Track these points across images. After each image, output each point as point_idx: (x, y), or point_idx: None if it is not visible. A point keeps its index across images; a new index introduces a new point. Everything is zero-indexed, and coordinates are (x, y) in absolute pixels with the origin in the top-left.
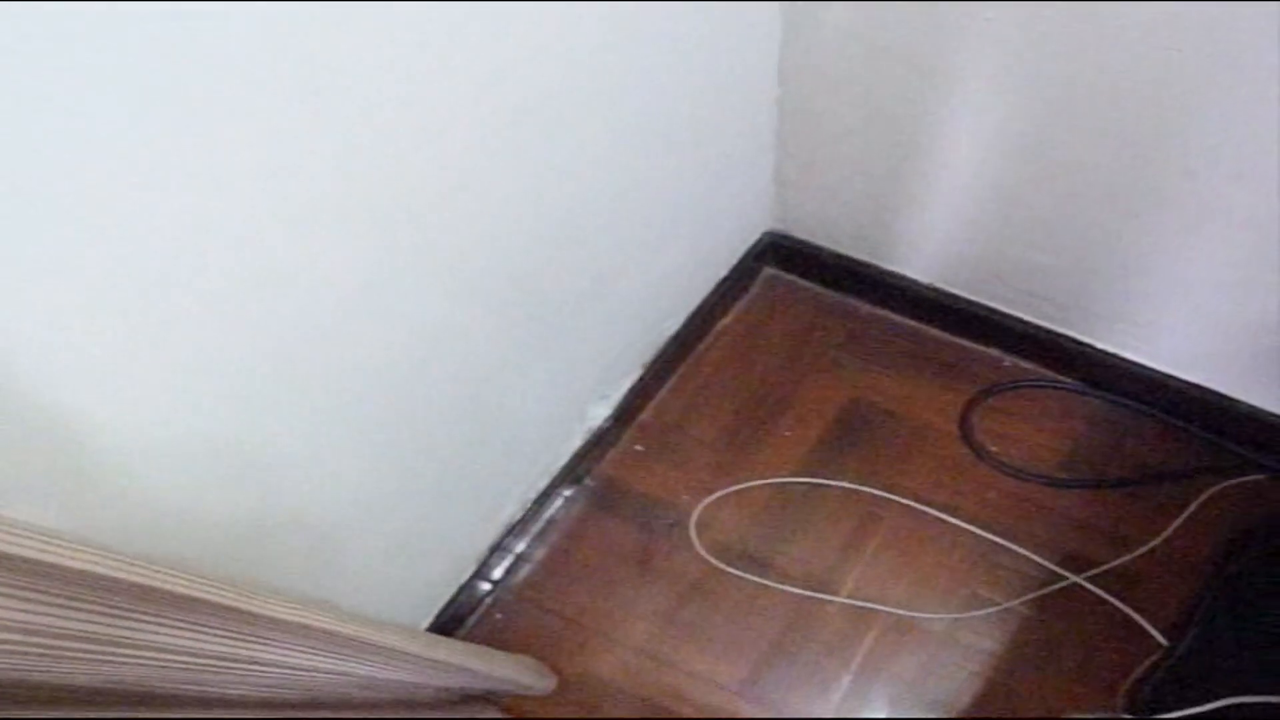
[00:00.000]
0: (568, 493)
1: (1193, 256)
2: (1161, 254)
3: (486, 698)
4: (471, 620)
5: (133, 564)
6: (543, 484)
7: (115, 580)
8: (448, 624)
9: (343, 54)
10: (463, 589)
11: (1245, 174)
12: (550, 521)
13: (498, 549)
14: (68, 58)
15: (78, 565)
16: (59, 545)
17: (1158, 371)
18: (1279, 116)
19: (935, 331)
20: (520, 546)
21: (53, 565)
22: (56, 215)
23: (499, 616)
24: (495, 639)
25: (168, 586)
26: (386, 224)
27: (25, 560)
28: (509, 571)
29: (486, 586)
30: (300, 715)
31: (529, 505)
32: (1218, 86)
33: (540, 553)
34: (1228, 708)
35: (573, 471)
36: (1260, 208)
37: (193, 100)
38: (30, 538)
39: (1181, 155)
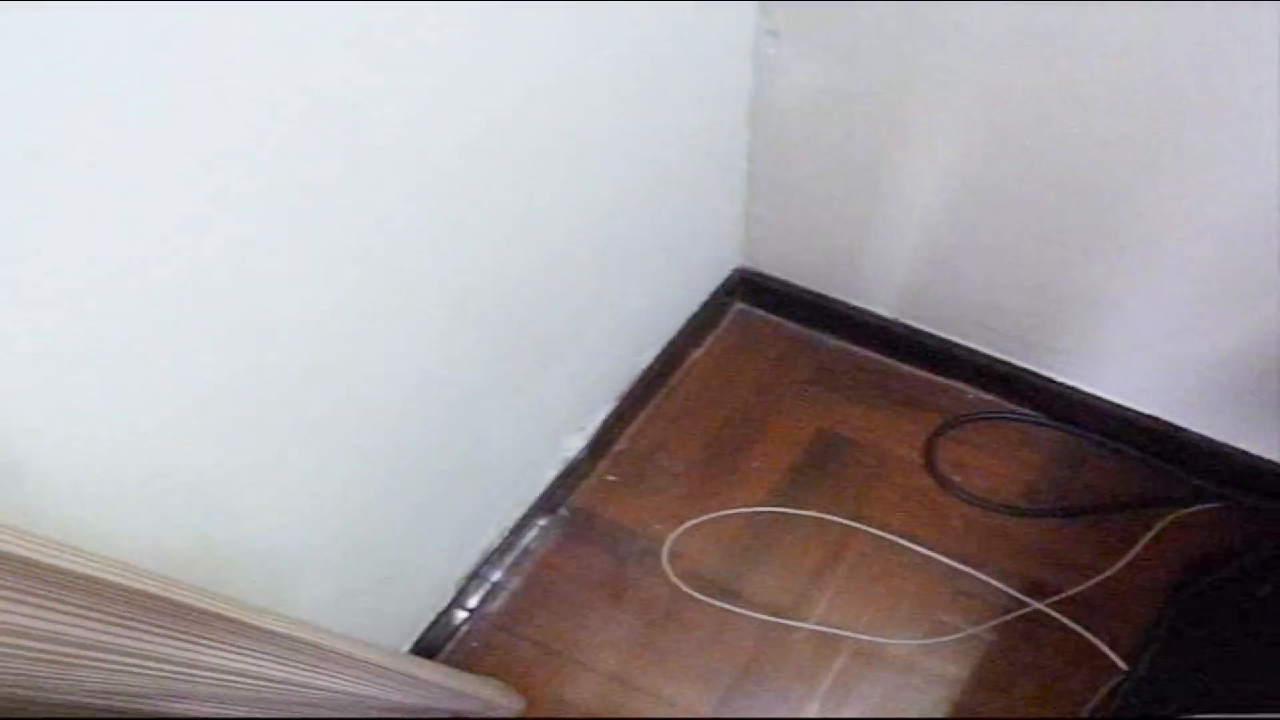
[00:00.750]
0: (543, 522)
1: (1143, 294)
2: (1114, 291)
3: None
4: (448, 647)
5: (145, 575)
6: (519, 513)
7: (128, 590)
8: (424, 651)
9: (335, 92)
10: (440, 616)
11: (1192, 217)
12: (526, 550)
13: (474, 577)
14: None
15: (99, 574)
16: (75, 552)
17: (1114, 404)
18: (1225, 163)
19: (900, 365)
20: (496, 575)
21: (75, 573)
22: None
23: (474, 644)
24: (471, 665)
25: (172, 596)
26: (371, 257)
27: (46, 566)
28: (485, 599)
29: (463, 614)
30: None
31: (506, 534)
32: (1166, 136)
33: (515, 581)
34: None
35: (548, 501)
36: (1206, 249)
37: (180, 116)
38: (51, 545)
39: (1131, 198)
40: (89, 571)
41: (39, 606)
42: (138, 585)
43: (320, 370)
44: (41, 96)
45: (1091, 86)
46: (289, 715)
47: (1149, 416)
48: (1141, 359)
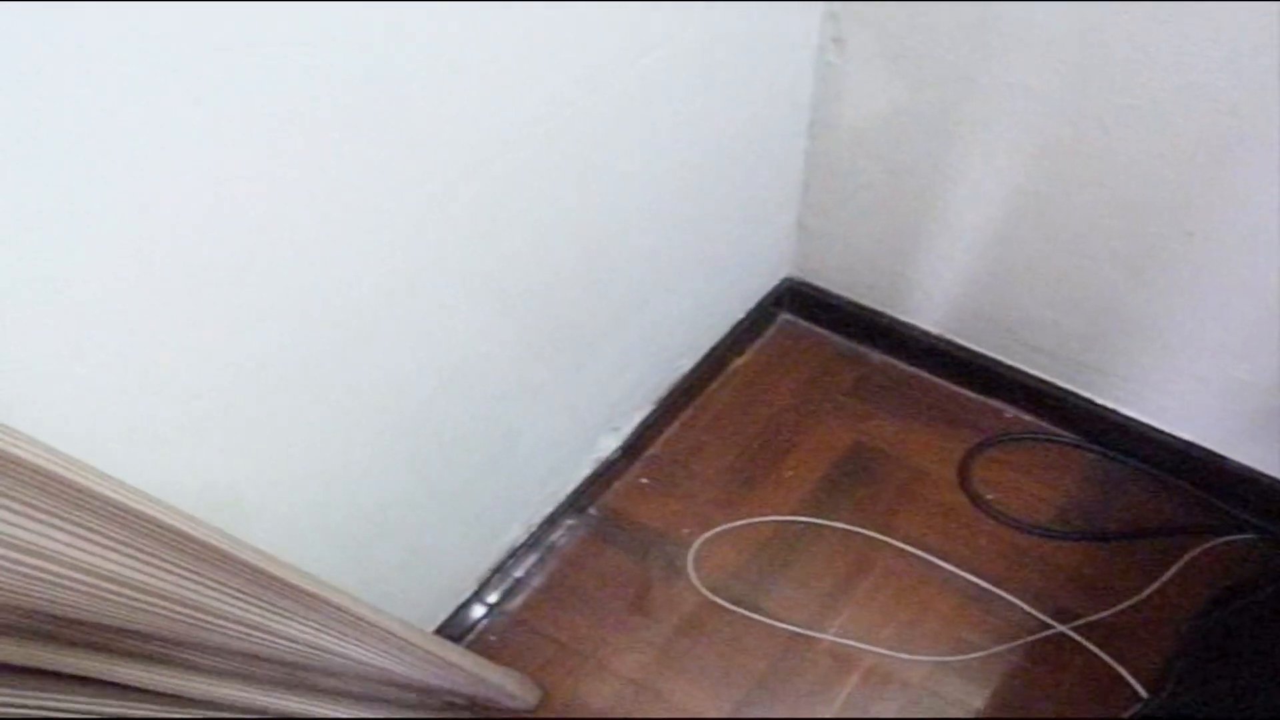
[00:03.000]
0: (571, 521)
1: (1191, 317)
2: (1161, 313)
3: (470, 708)
4: (466, 640)
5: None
6: (548, 510)
7: (160, 524)
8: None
9: (390, 79)
10: (460, 609)
11: (1244, 239)
12: (551, 548)
13: (498, 571)
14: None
15: (133, 504)
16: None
17: (1154, 428)
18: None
19: (941, 381)
20: (520, 571)
21: (112, 501)
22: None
23: (493, 638)
24: (487, 658)
25: (204, 538)
26: (415, 244)
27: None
28: (506, 595)
29: (482, 609)
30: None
31: (533, 530)
32: (1219, 156)
33: (539, 579)
34: None
35: (578, 500)
36: (1257, 272)
37: (226, 102)
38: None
39: (1182, 218)
40: (134, 505)
41: (70, 533)
42: (169, 521)
43: (357, 354)
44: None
45: (1150, 105)
46: (309, 679)
47: (1187, 443)
48: (1183, 384)
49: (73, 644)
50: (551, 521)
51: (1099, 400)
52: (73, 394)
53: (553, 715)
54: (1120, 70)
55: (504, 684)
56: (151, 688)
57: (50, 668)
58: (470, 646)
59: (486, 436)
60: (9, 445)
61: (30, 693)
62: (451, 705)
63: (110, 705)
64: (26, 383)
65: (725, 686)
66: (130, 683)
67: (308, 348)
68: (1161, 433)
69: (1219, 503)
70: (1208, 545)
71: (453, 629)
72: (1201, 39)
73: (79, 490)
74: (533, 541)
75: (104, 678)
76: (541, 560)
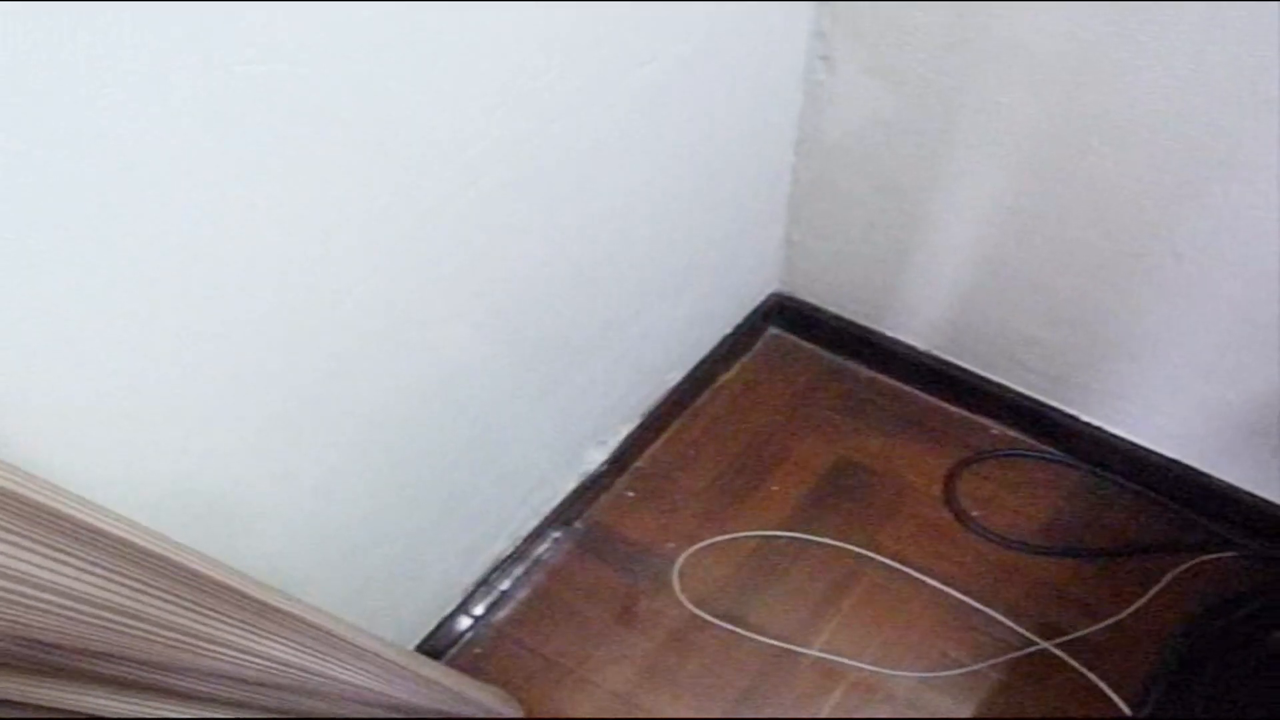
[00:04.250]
0: (556, 534)
1: (1178, 336)
2: (1148, 332)
3: None
4: (451, 653)
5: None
6: (533, 524)
7: (146, 552)
8: (427, 655)
9: (378, 92)
10: (444, 622)
11: (1232, 261)
12: (537, 561)
13: (483, 584)
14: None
15: (120, 533)
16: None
17: (1139, 446)
18: (1267, 207)
19: (929, 397)
20: (505, 584)
21: (99, 530)
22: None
23: (477, 651)
24: (473, 672)
25: (190, 565)
26: (401, 256)
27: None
28: (491, 608)
29: (467, 621)
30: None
31: (519, 543)
32: (1209, 177)
33: (524, 592)
34: None
35: (564, 513)
36: (1244, 293)
37: (224, 117)
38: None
39: (1170, 238)
40: (109, 529)
41: (55, 560)
42: (156, 549)
43: (343, 366)
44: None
45: (1135, 124)
46: (294, 701)
47: (1173, 460)
48: (1170, 401)
49: (43, 671)
50: (537, 534)
51: (1085, 417)
52: (62, 403)
53: None
54: (1108, 90)
55: (485, 700)
56: (125, 715)
57: (19, 699)
58: (455, 659)
59: (473, 449)
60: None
61: None
62: None
63: None
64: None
65: (709, 701)
66: (102, 712)
67: (296, 359)
68: (1146, 450)
69: (1203, 520)
70: (1191, 562)
71: (438, 641)
72: (1190, 60)
73: (51, 513)
74: (518, 554)
75: (75, 708)
76: (527, 573)
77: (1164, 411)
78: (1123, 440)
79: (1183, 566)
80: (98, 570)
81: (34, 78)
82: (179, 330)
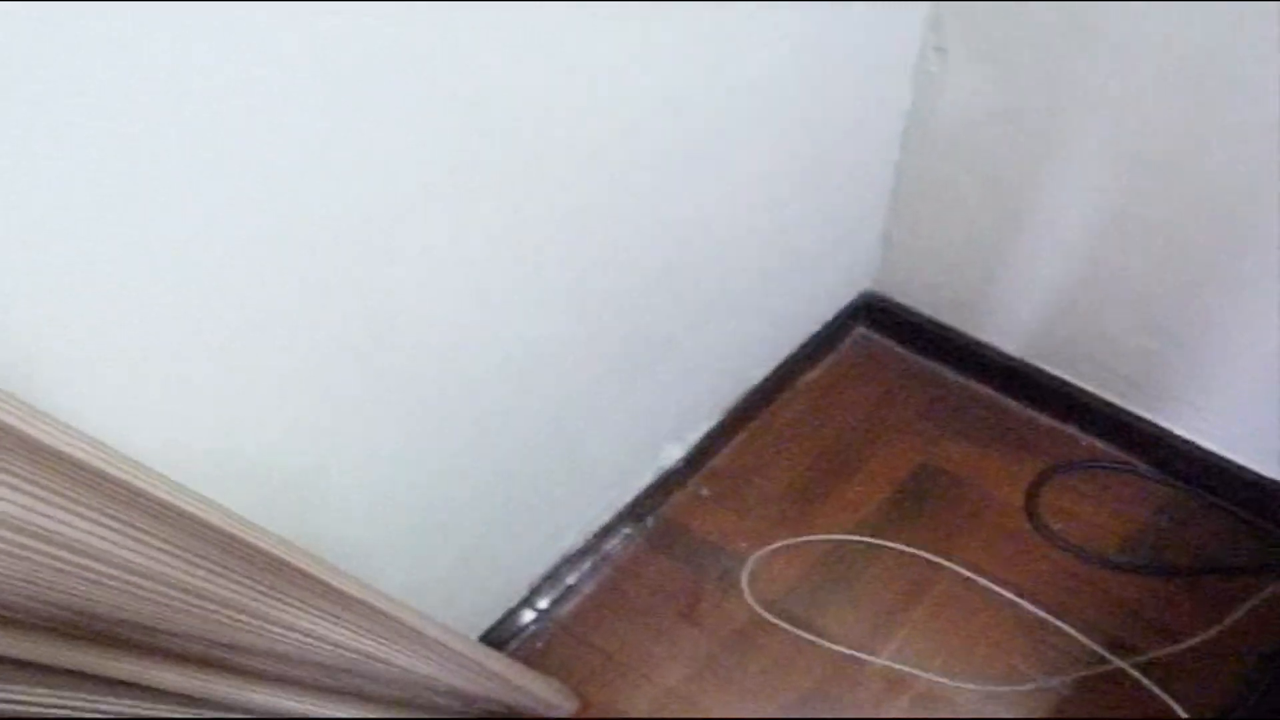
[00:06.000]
0: (628, 529)
1: None
2: (1253, 341)
3: (507, 715)
4: (512, 645)
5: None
6: (606, 518)
7: (213, 527)
8: (489, 645)
9: (474, 77)
10: (508, 614)
11: None
12: (606, 556)
13: (550, 577)
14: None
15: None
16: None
17: (1232, 462)
18: None
19: (1017, 404)
20: (572, 578)
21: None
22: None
23: (539, 645)
24: (533, 666)
25: (258, 543)
26: (498, 245)
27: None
28: (557, 602)
29: (532, 614)
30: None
31: (589, 537)
32: None
33: (590, 587)
34: None
35: (637, 509)
36: None
37: (351, 106)
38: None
39: (1277, 244)
40: (170, 499)
41: (117, 531)
42: (215, 521)
43: (427, 353)
44: None
45: (1249, 121)
46: (347, 683)
47: (1267, 479)
48: (1269, 417)
49: (106, 643)
50: (609, 529)
51: (1177, 431)
52: (145, 379)
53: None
54: (1229, 85)
55: (543, 694)
56: (185, 691)
57: (81, 669)
58: (516, 652)
59: (551, 440)
60: (59, 442)
61: (60, 692)
62: (489, 713)
63: (143, 708)
64: (85, 373)
65: (769, 703)
66: (163, 686)
67: (381, 339)
68: (1240, 467)
69: None
70: (1278, 586)
71: (501, 632)
72: None
73: (127, 489)
74: (588, 549)
75: (136, 680)
76: (595, 568)
77: (1260, 428)
78: (1216, 456)
79: (1269, 590)
80: (165, 545)
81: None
82: (264, 306)
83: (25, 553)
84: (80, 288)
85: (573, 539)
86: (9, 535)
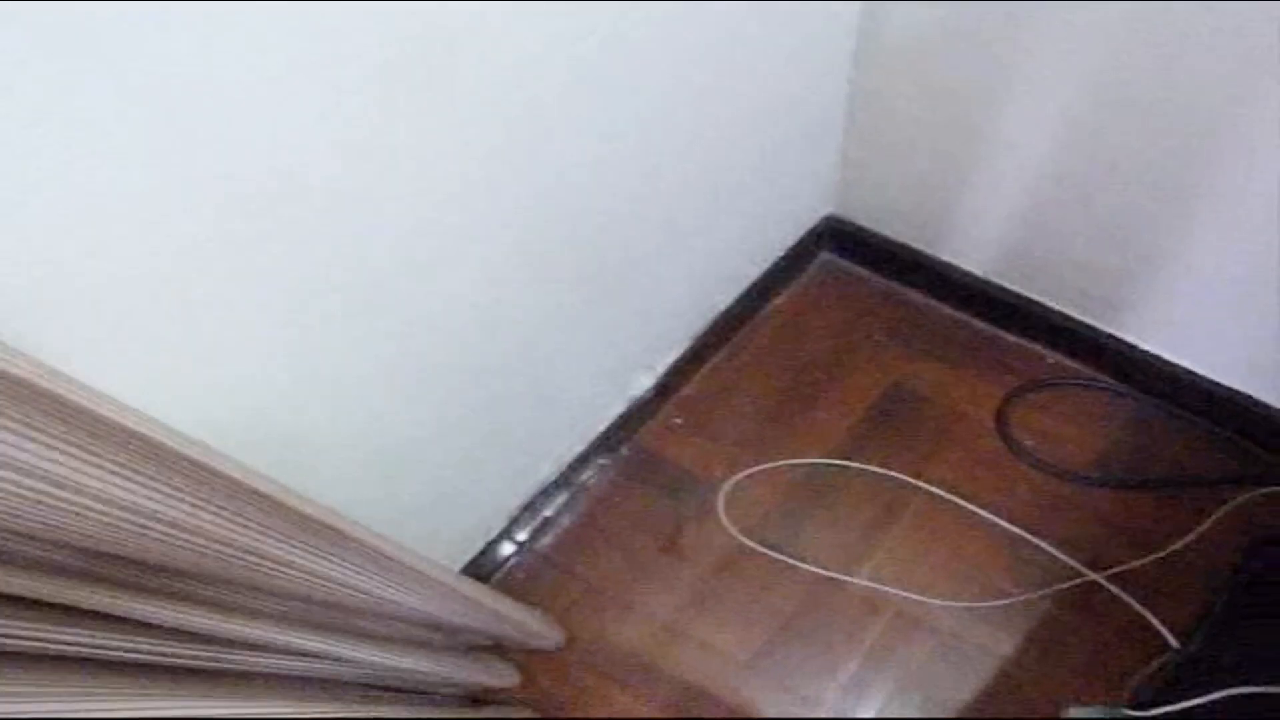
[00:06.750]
0: (602, 460)
1: (1244, 259)
2: (1214, 255)
3: (496, 649)
4: (495, 578)
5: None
6: (579, 449)
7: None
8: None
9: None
10: (488, 547)
11: None
12: (582, 487)
13: (527, 509)
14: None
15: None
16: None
17: (1200, 375)
18: None
19: (983, 324)
20: (549, 510)
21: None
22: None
23: (521, 576)
24: (515, 598)
25: (231, 473)
26: (451, 172)
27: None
28: (536, 533)
29: (512, 547)
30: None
31: (563, 469)
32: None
33: (568, 518)
34: (1227, 699)
35: (610, 439)
36: None
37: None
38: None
39: (1244, 153)
40: (159, 439)
41: (109, 470)
42: (204, 460)
43: (389, 286)
44: None
45: (1217, 27)
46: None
47: (1233, 390)
48: (1232, 330)
49: (104, 580)
50: (583, 460)
51: (1144, 345)
52: (121, 327)
53: (578, 653)
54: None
55: (528, 623)
56: (182, 626)
57: (81, 605)
58: (498, 584)
59: (518, 371)
60: (55, 386)
61: (60, 629)
62: (477, 645)
63: (140, 642)
64: (72, 320)
65: (753, 627)
66: (161, 621)
67: (342, 276)
68: (1207, 380)
69: (1262, 452)
70: (1248, 495)
71: (481, 566)
72: None
73: (120, 429)
74: (563, 480)
75: (136, 617)
76: (572, 499)
77: (1226, 340)
78: (1183, 369)
79: (1238, 499)
80: (155, 483)
81: None
82: (231, 252)
83: (42, 498)
84: (67, 249)
85: (547, 470)
86: (33, 483)
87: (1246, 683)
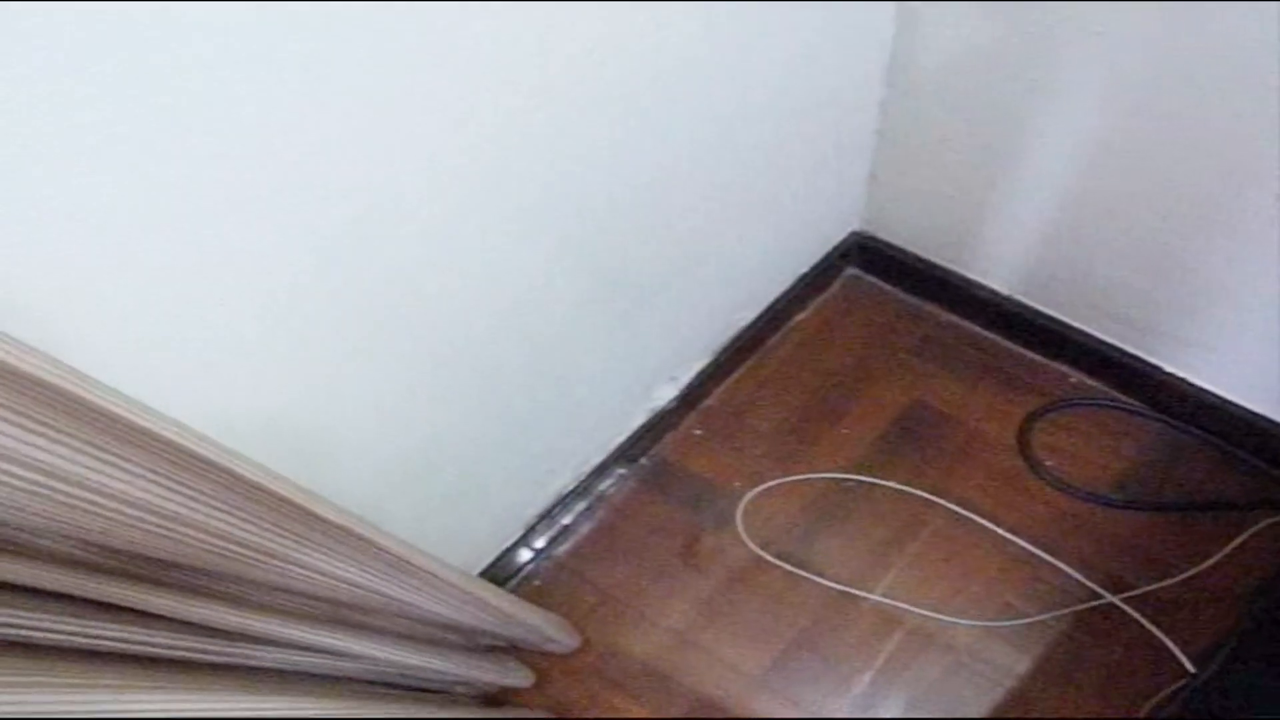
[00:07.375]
0: (622, 470)
1: (1271, 285)
2: (1242, 278)
3: (512, 650)
4: (511, 584)
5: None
6: (599, 458)
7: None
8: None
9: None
10: (506, 552)
11: None
12: (600, 497)
13: (546, 517)
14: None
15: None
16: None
17: (1222, 399)
18: None
19: (1007, 343)
20: (568, 518)
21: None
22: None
23: (537, 583)
24: (531, 602)
25: (249, 475)
26: (480, 177)
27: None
28: (553, 541)
29: (529, 554)
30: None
31: (583, 477)
32: None
33: (586, 526)
34: None
35: (630, 449)
36: None
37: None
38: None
39: (1272, 181)
40: (176, 439)
41: (128, 471)
42: (218, 460)
43: (414, 286)
44: None
45: (1246, 58)
46: (350, 616)
47: (1257, 414)
48: (1257, 355)
49: (121, 575)
50: (602, 469)
51: (1168, 368)
52: (138, 325)
53: (592, 660)
54: (1216, 21)
55: (544, 627)
56: (197, 621)
57: (97, 598)
58: (515, 590)
59: (541, 379)
60: (70, 385)
61: (79, 620)
62: (493, 648)
63: (158, 636)
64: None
65: (767, 640)
66: (176, 615)
67: (367, 277)
68: (1230, 403)
69: None
70: (1270, 521)
71: (498, 572)
72: None
73: (147, 434)
74: (582, 489)
75: (161, 612)
76: (590, 508)
77: (1251, 364)
78: (1205, 392)
79: (1260, 525)
80: (172, 484)
81: None
82: (253, 247)
83: (76, 501)
84: (94, 249)
85: (567, 479)
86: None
87: (1263, 710)
